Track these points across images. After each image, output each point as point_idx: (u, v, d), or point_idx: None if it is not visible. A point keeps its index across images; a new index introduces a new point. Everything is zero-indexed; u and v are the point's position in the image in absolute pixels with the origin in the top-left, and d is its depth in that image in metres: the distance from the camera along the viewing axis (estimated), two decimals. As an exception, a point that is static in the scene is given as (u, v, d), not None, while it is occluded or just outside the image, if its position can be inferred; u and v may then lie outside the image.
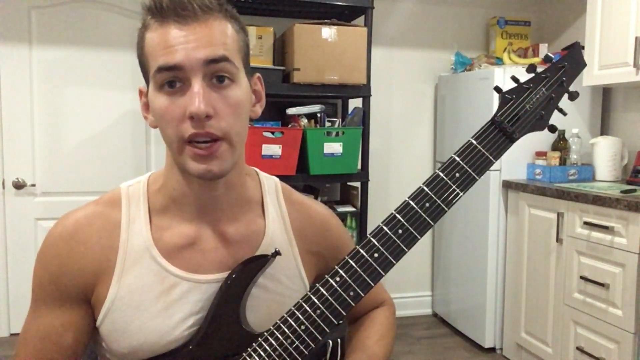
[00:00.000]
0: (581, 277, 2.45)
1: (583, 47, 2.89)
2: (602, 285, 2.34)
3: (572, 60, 0.86)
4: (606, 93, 3.15)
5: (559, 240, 2.59)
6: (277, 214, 0.95)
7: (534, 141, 2.94)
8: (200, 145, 0.78)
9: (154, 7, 0.79)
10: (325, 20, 2.75)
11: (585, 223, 2.43)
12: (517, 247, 2.89)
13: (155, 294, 0.85)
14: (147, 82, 0.83)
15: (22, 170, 3.03)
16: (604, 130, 3.15)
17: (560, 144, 2.92)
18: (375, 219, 3.02)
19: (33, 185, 3.04)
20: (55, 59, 3.02)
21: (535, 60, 3.21)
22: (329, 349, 0.85)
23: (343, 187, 3.28)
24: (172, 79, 0.78)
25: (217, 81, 0.79)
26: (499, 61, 3.26)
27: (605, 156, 2.86)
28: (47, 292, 0.87)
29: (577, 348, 2.48)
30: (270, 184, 0.97)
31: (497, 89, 0.86)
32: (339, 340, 0.86)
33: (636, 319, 2.21)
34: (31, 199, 3.06)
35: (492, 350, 3.09)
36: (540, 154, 2.93)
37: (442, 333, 3.36)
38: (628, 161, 2.90)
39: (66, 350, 0.87)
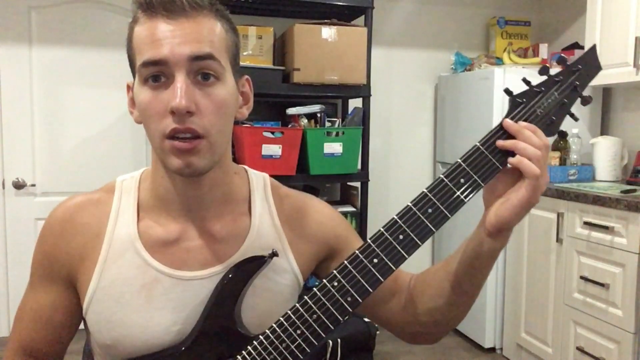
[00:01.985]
0: (581, 277, 2.45)
1: (580, 46, 2.89)
2: (602, 285, 2.34)
3: (587, 63, 0.81)
4: (606, 93, 3.15)
5: (559, 240, 2.59)
6: (265, 210, 0.94)
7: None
8: (180, 140, 0.78)
9: (144, 1, 0.79)
10: (325, 20, 2.74)
11: (585, 223, 2.43)
12: (517, 247, 2.89)
13: (136, 288, 0.86)
14: (134, 76, 0.84)
15: (22, 170, 3.03)
16: (604, 130, 3.14)
17: (560, 144, 2.92)
18: (375, 219, 3.02)
19: (33, 185, 3.04)
20: (55, 59, 3.02)
21: (535, 60, 3.21)
22: (329, 349, 0.85)
23: (343, 187, 3.28)
24: (157, 73, 0.78)
25: (202, 78, 0.79)
26: (499, 61, 3.26)
27: (605, 156, 2.85)
28: (41, 270, 0.91)
29: (577, 348, 2.48)
30: (259, 180, 0.97)
31: (508, 92, 0.80)
32: (339, 340, 0.86)
33: (636, 319, 2.21)
34: (31, 199, 3.06)
35: (492, 350, 3.08)
36: (540, 154, 2.93)
37: (442, 333, 3.35)
38: (628, 161, 2.90)
39: (56, 329, 0.92)
